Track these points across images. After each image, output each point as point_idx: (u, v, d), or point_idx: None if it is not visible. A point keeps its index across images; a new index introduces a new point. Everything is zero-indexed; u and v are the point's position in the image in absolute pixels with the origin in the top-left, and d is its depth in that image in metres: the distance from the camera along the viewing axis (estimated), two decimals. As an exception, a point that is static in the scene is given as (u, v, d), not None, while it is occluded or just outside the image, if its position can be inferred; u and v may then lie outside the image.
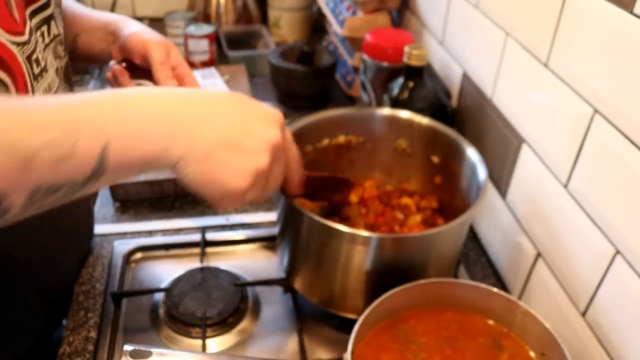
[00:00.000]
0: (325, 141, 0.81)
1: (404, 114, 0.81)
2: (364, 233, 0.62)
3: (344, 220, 0.78)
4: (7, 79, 0.51)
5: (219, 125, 0.48)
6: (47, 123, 0.40)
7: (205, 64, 1.35)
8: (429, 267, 0.67)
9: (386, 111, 0.83)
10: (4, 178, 0.38)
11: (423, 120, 0.79)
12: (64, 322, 0.74)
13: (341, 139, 0.82)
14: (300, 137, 0.78)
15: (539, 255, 0.73)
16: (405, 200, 0.81)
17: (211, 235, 0.88)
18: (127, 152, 0.44)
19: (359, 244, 0.63)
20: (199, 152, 0.47)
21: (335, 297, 0.70)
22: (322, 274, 0.69)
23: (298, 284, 0.73)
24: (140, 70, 0.73)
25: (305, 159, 0.80)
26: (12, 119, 0.39)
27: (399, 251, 0.64)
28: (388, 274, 0.64)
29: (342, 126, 0.82)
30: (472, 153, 0.73)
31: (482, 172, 0.70)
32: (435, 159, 0.80)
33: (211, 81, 1.24)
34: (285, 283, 0.77)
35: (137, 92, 0.47)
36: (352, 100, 1.27)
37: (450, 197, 0.79)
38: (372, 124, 0.82)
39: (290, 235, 0.71)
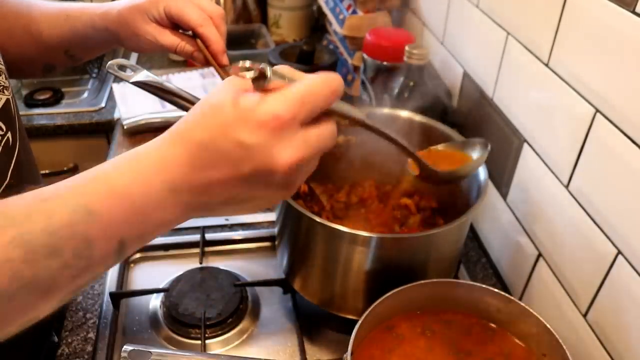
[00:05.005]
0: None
1: (404, 113, 0.80)
2: (363, 233, 0.62)
3: (343, 220, 0.78)
4: None
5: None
6: (55, 244, 0.37)
7: (203, 64, 1.35)
8: (429, 267, 0.67)
9: (386, 110, 0.82)
10: (25, 312, 0.38)
11: (423, 119, 0.79)
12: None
13: (340, 138, 0.82)
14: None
15: (540, 255, 0.73)
16: (405, 200, 0.81)
17: (211, 235, 0.87)
18: (145, 231, 0.42)
19: (358, 244, 0.62)
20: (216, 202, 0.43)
21: (335, 298, 0.69)
22: (321, 275, 0.69)
23: (297, 285, 0.73)
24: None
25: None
26: (19, 252, 0.36)
27: (399, 251, 0.64)
28: (388, 274, 0.64)
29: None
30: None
31: (482, 172, 0.69)
32: (436, 159, 0.80)
33: (211, 80, 1.23)
34: (285, 284, 0.76)
35: (118, 168, 0.42)
36: (352, 100, 1.26)
37: (450, 197, 0.78)
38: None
39: (290, 236, 0.71)
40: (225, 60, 0.71)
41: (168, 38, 0.70)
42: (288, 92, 0.40)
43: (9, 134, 0.62)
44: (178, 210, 0.42)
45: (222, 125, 0.39)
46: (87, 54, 0.80)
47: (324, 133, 0.43)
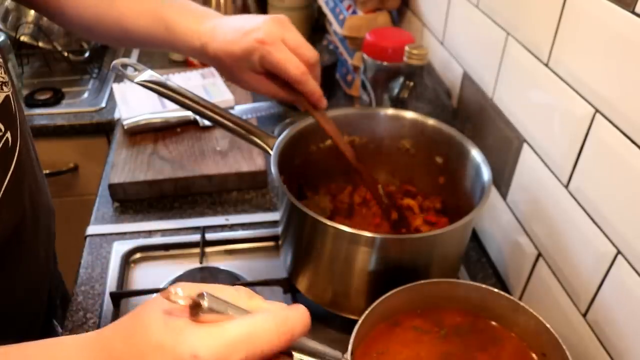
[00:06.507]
0: (329, 141, 0.81)
1: (408, 114, 0.80)
2: (367, 234, 0.62)
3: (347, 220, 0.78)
4: None
5: None
6: None
7: (205, 64, 1.35)
8: (432, 268, 0.67)
9: (390, 111, 0.82)
10: None
11: (427, 120, 0.79)
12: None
13: (344, 139, 0.82)
14: (302, 137, 0.78)
15: (539, 255, 0.73)
16: (408, 200, 0.81)
17: (211, 235, 0.88)
18: None
19: (362, 245, 0.62)
20: None
21: (337, 298, 0.69)
22: (324, 274, 0.69)
23: (300, 284, 0.73)
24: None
25: (308, 159, 0.80)
26: None
27: (402, 252, 0.64)
28: (391, 274, 0.64)
29: (346, 126, 0.81)
30: (476, 154, 0.73)
31: (486, 173, 0.69)
32: (439, 160, 0.80)
33: (211, 81, 1.23)
34: (285, 283, 0.76)
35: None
36: (352, 100, 1.26)
37: (453, 197, 0.79)
38: (375, 124, 0.82)
39: (293, 236, 0.71)
40: (323, 103, 0.73)
41: (265, 87, 0.71)
42: (220, 330, 0.34)
43: (9, 134, 0.59)
44: None
45: (140, 345, 0.35)
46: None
47: None
